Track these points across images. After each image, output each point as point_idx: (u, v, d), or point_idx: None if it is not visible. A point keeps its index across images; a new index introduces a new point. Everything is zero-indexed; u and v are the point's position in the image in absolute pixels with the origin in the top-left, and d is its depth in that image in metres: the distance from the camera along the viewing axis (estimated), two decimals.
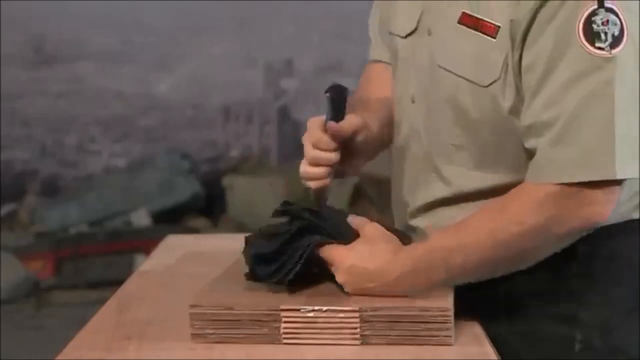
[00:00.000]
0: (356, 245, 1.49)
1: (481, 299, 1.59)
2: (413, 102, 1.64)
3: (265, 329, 1.43)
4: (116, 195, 7.53)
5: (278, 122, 10.37)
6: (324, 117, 1.57)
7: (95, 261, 6.69)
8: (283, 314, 1.42)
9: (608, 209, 1.47)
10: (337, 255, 1.49)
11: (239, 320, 1.43)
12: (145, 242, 6.17)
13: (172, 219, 7.28)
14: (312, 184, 1.56)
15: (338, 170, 1.60)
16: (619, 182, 1.46)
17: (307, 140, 1.57)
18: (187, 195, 7.59)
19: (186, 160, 8.08)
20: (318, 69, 10.68)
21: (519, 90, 1.49)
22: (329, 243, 1.50)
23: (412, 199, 1.65)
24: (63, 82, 10.19)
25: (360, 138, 1.61)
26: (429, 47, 1.60)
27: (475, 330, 1.50)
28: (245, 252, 1.55)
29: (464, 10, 1.53)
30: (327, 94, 1.57)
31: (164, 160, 8.03)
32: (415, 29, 1.64)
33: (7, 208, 8.12)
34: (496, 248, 1.47)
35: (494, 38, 1.49)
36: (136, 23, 10.40)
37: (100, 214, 7.39)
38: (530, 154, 1.49)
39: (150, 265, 2.01)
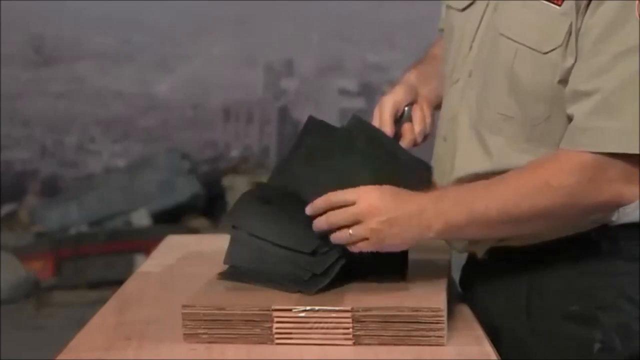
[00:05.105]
0: (382, 186, 1.49)
1: (503, 294, 1.59)
2: (470, 76, 1.65)
3: (257, 329, 1.42)
4: (116, 195, 7.53)
5: (278, 122, 10.38)
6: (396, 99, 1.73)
7: (95, 261, 6.69)
8: (275, 314, 1.42)
9: (637, 190, 1.46)
10: (360, 193, 1.48)
11: (230, 321, 1.43)
12: (145, 242, 6.17)
13: (172, 219, 7.29)
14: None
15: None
16: None
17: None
18: (187, 195, 7.59)
19: (186, 160, 8.09)
20: (318, 69, 10.69)
21: (576, 59, 1.49)
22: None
23: (452, 170, 1.65)
24: (63, 82, 10.20)
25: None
26: (490, 17, 1.61)
27: (475, 330, 1.49)
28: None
29: None
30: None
31: (164, 160, 8.04)
32: (473, 2, 1.65)
33: (7, 208, 8.13)
34: (519, 204, 1.46)
35: (559, 6, 1.50)
36: (136, 23, 10.40)
37: (100, 214, 7.40)
38: (570, 121, 1.49)
39: (150, 265, 2.01)
